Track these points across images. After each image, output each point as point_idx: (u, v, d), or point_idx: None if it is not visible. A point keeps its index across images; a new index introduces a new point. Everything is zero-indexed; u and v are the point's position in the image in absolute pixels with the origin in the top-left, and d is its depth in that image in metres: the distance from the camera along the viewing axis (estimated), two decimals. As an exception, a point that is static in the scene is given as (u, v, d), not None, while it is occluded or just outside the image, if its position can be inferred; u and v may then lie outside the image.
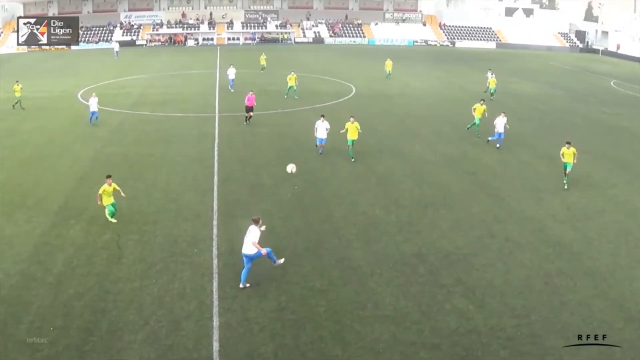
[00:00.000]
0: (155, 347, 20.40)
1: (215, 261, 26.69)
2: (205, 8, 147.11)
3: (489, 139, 48.16)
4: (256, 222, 24.94)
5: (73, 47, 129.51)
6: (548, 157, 43.81)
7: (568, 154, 37.71)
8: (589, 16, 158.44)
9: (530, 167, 41.08)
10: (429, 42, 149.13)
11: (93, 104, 52.70)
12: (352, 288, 24.98)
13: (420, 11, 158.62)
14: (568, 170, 37.90)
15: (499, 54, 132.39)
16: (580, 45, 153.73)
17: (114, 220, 30.64)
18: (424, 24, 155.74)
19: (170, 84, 78.69)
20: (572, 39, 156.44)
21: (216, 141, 47.42)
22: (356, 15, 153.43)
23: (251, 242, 24.31)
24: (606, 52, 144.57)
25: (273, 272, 25.75)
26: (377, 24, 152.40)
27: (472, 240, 30.46)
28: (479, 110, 51.34)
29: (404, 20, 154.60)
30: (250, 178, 38.62)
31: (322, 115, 43.82)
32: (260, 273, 25.56)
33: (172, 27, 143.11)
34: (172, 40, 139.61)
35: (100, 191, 30.37)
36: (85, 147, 45.84)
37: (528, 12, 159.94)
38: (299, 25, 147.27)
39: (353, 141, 42.54)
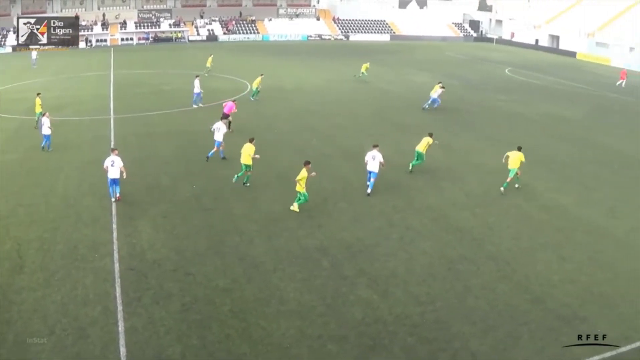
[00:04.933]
0: (63, 355, 20.20)
1: (116, 265, 26.53)
2: (99, 9, 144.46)
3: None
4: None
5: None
6: (445, 146, 44.63)
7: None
8: (483, 6, 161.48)
9: (428, 157, 41.73)
10: (323, 37, 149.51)
11: (45, 126, 44.81)
12: (256, 285, 25.22)
13: (314, 6, 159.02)
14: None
15: (393, 46, 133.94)
16: (475, 35, 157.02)
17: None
18: (318, 19, 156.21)
19: (65, 87, 76.99)
20: (466, 29, 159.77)
21: (112, 143, 46.70)
22: (250, 12, 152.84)
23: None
24: (500, 41, 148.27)
25: (175, 274, 25.83)
26: (271, 19, 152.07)
27: (373, 231, 31.09)
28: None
29: (297, 16, 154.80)
30: (148, 179, 38.36)
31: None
32: (162, 275, 25.70)
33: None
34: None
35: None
36: (-21, 155, 44.80)
37: (422, 4, 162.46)
38: (192, 24, 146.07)
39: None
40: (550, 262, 28.05)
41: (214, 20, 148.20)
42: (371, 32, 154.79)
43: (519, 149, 37.55)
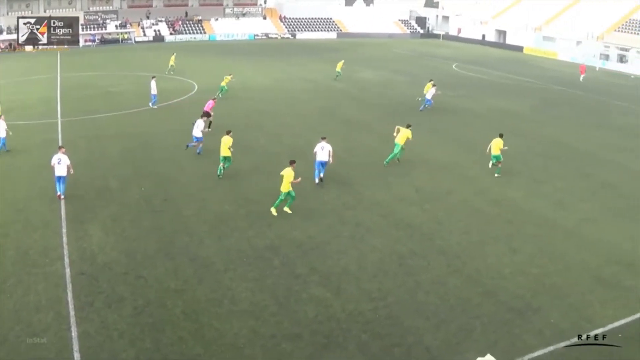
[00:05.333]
0: (17, 363, 19.90)
1: (67, 270, 26.25)
2: (45, 11, 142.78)
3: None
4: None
5: None
6: (393, 141, 44.65)
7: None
8: (430, 2, 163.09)
9: (376, 152, 42.04)
10: (269, 36, 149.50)
11: (1, 128, 45.12)
12: (208, 286, 25.20)
13: (260, 5, 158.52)
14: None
15: (340, 44, 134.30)
16: (421, 31, 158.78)
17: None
18: (265, 18, 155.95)
19: (12, 91, 75.53)
20: (413, 25, 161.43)
21: (60, 147, 46.34)
22: (196, 12, 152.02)
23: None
24: (447, 37, 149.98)
25: (127, 277, 25.68)
26: (217, 19, 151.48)
27: (323, 228, 31.26)
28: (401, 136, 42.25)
29: (244, 15, 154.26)
30: (97, 182, 38.02)
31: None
32: (113, 278, 25.54)
33: (13, 33, 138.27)
34: (13, 47, 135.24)
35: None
36: None
37: (368, 2, 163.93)
38: (139, 25, 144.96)
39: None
40: (501, 255, 28.44)
41: (161, 21, 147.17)
42: (318, 30, 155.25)
43: (501, 135, 39.55)
